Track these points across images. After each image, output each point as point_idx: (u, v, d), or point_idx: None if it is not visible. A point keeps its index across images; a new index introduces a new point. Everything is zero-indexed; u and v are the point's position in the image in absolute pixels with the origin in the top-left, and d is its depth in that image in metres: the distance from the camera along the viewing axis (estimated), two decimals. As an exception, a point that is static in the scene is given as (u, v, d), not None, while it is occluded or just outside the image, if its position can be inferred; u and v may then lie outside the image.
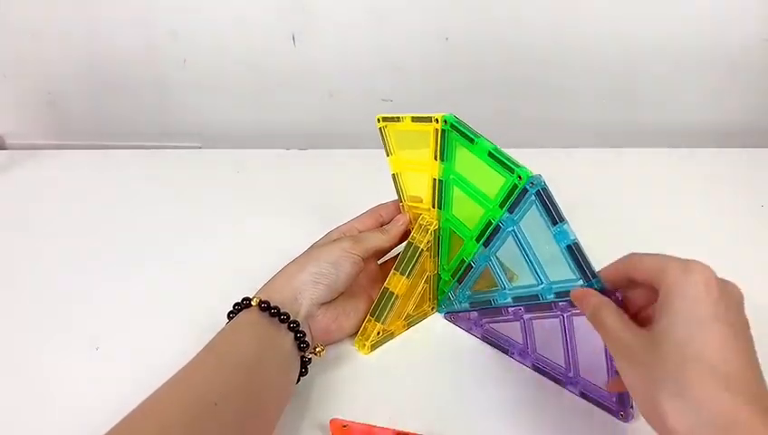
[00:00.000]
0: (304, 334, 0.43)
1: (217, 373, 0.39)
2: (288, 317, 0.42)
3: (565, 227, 0.40)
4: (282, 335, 0.42)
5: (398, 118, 0.48)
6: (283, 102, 0.81)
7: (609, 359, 0.42)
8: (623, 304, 0.38)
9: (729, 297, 0.33)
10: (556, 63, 0.77)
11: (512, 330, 0.48)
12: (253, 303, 0.43)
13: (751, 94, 0.79)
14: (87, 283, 0.56)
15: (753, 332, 0.50)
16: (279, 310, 0.42)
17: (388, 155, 0.51)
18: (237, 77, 0.79)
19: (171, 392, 0.37)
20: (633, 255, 0.37)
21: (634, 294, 0.38)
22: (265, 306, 0.42)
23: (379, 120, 0.50)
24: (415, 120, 0.47)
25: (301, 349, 0.43)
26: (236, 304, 0.44)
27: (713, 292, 0.33)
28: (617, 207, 0.65)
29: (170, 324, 0.52)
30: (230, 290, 0.56)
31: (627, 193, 0.68)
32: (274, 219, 0.64)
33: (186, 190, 0.70)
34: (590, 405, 0.44)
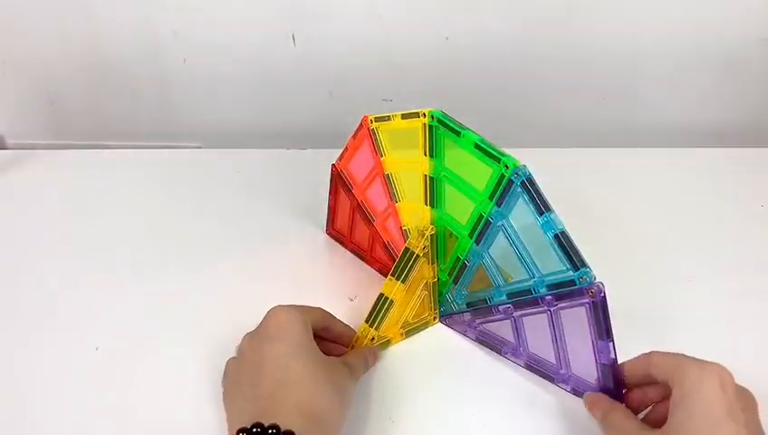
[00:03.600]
0: None
1: None
2: None
3: (552, 216, 0.40)
4: None
5: (389, 117, 0.48)
6: (283, 102, 0.81)
7: (597, 353, 0.41)
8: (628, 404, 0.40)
9: (745, 400, 0.34)
10: (556, 63, 0.77)
11: (503, 329, 0.47)
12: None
13: (750, 94, 0.79)
14: (87, 282, 0.56)
15: (756, 330, 0.50)
16: None
17: (381, 156, 0.50)
18: (237, 77, 0.78)
19: None
20: (654, 353, 0.38)
21: (642, 393, 0.39)
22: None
23: (371, 120, 0.50)
24: (404, 117, 0.47)
25: None
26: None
27: (728, 392, 0.33)
28: (616, 207, 0.65)
29: (170, 324, 0.52)
30: (230, 289, 0.56)
31: (626, 193, 0.68)
32: (275, 219, 0.64)
33: (186, 190, 0.70)
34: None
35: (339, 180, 0.57)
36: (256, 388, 0.36)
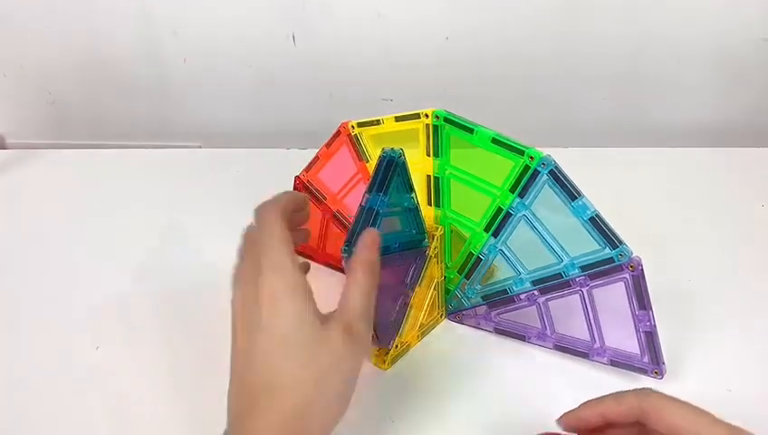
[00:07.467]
0: None
1: None
2: None
3: (584, 200, 0.41)
4: None
5: (379, 121, 0.48)
6: (283, 102, 0.81)
7: (636, 323, 0.43)
8: None
9: None
10: (556, 63, 0.77)
11: (526, 316, 0.48)
12: None
13: (751, 94, 0.79)
14: (87, 282, 0.56)
15: (755, 330, 0.50)
16: None
17: (366, 162, 0.50)
18: (237, 77, 0.78)
19: None
20: (652, 395, 0.31)
21: None
22: None
23: (353, 126, 0.49)
24: (399, 119, 0.46)
25: None
26: None
27: None
28: (616, 207, 0.65)
29: (170, 324, 0.52)
30: (230, 288, 0.56)
31: (626, 193, 0.68)
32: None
33: (186, 190, 0.70)
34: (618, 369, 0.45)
35: (305, 192, 0.55)
36: (241, 380, 0.33)
